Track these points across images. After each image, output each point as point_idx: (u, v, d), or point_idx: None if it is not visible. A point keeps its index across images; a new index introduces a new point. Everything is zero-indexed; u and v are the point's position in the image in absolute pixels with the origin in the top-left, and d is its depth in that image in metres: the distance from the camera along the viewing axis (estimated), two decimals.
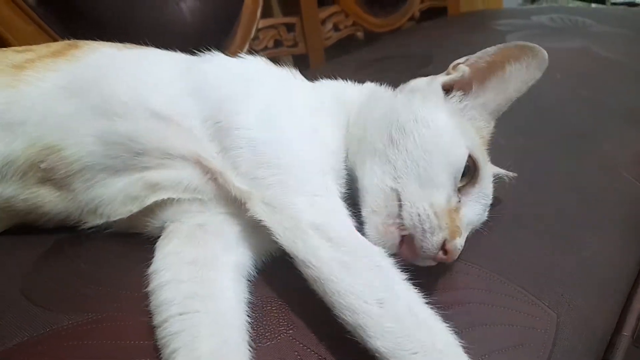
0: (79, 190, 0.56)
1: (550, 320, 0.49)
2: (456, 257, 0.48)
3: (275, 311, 0.47)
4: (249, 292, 0.48)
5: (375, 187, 0.51)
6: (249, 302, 0.47)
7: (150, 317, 0.44)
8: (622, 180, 0.75)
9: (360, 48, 1.59)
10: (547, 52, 0.54)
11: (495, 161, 0.64)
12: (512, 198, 0.66)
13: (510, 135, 0.81)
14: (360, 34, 1.66)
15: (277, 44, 1.43)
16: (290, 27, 1.46)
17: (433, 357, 0.39)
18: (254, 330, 0.44)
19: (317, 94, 0.62)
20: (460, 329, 0.45)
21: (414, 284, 0.47)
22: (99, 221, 0.56)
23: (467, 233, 0.51)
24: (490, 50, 0.56)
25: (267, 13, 1.40)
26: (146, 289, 0.46)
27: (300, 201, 0.48)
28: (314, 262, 0.43)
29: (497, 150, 0.77)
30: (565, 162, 0.76)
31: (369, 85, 0.65)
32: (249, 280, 0.49)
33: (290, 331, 0.45)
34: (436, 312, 0.46)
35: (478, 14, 1.87)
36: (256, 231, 0.50)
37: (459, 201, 0.51)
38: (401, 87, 0.61)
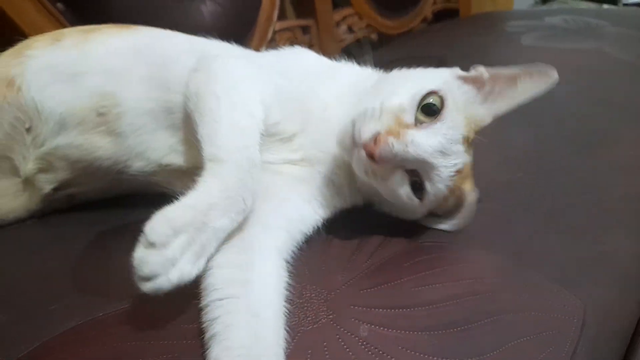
0: (127, 134, 0.62)
1: (577, 308, 0.50)
2: (384, 155, 0.50)
3: (315, 297, 0.48)
4: (289, 275, 0.49)
5: (369, 103, 0.55)
6: (289, 285, 0.48)
7: (191, 301, 0.46)
8: (635, 180, 0.76)
9: (374, 50, 1.61)
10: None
11: (511, 160, 0.64)
12: (533, 195, 0.68)
13: (526, 135, 0.84)
14: (373, 36, 1.69)
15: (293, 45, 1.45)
16: (305, 30, 1.48)
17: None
18: (294, 315, 0.46)
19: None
20: (489, 317, 0.47)
21: (439, 272, 0.49)
22: (145, 165, 0.62)
23: (418, 153, 0.51)
24: (515, 68, 0.59)
25: (281, 16, 1.41)
26: None
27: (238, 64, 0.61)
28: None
29: (514, 149, 0.79)
30: (581, 161, 0.77)
31: None
32: (288, 262, 0.51)
33: (331, 316, 0.46)
34: (463, 302, 0.48)
35: (490, 15, 1.88)
36: (294, 212, 0.55)
37: (415, 124, 0.53)
38: None
